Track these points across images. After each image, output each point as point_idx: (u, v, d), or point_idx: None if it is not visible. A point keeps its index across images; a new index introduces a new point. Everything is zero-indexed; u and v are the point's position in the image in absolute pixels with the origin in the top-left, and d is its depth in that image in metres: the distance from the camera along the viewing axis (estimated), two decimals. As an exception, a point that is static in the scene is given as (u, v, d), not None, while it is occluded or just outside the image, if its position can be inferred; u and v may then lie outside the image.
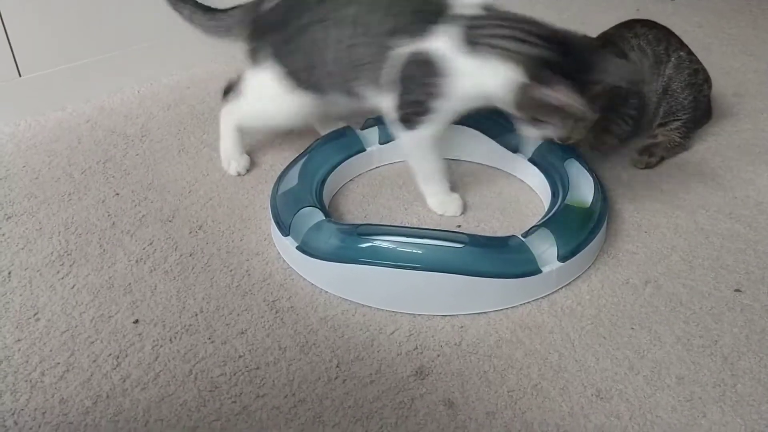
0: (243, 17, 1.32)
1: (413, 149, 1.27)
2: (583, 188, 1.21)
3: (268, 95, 1.31)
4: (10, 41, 1.53)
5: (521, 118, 1.16)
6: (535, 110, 1.13)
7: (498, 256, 1.11)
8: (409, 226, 1.27)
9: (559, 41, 1.12)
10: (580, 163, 1.27)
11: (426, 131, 1.21)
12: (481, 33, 1.12)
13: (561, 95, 1.08)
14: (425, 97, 1.16)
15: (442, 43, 1.13)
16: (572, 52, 1.12)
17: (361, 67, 1.19)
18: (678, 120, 1.39)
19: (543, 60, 1.09)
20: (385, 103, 1.21)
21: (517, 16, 1.15)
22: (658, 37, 1.37)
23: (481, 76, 1.12)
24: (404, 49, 1.15)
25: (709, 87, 1.43)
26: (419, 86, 1.16)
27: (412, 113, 1.19)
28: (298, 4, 1.24)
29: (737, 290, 1.15)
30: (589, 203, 1.18)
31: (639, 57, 1.33)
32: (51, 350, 1.06)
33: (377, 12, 1.17)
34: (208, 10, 1.37)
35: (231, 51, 1.78)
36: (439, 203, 1.30)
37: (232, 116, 1.40)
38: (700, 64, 1.41)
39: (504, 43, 1.11)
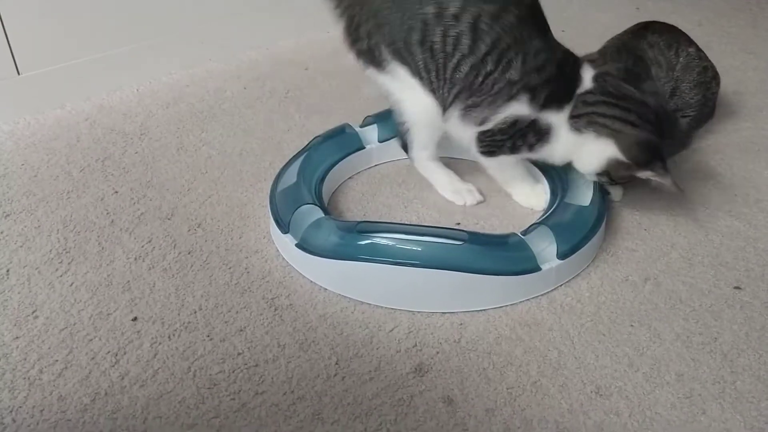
0: None
1: (489, 166, 1.30)
2: (582, 187, 1.21)
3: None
4: (9, 39, 1.53)
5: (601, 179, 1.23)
6: (623, 180, 1.23)
7: (497, 254, 1.10)
8: (408, 223, 1.27)
9: (659, 119, 1.18)
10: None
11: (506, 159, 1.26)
12: (587, 110, 1.18)
13: (658, 177, 1.19)
14: (517, 146, 1.21)
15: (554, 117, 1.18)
16: (666, 127, 1.21)
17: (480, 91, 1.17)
18: (685, 117, 1.40)
19: (643, 141, 1.17)
20: (469, 132, 1.22)
21: (626, 92, 1.19)
22: (669, 42, 1.38)
23: (578, 148, 1.20)
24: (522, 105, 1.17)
25: (717, 84, 1.44)
26: (519, 137, 1.20)
27: (497, 149, 1.23)
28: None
29: (737, 287, 1.15)
30: (588, 201, 1.18)
31: (657, 70, 1.36)
32: (49, 348, 1.06)
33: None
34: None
35: (229, 49, 1.82)
36: (525, 198, 1.32)
37: (425, 155, 1.32)
38: (709, 61, 1.41)
39: (607, 122, 1.17)
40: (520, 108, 1.16)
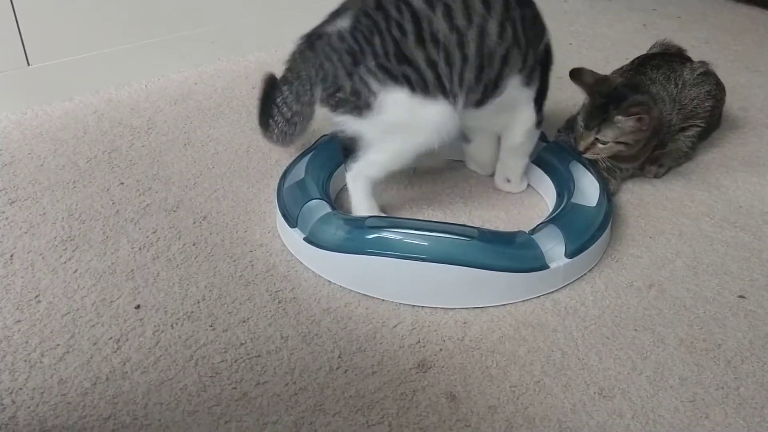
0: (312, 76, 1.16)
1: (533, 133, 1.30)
2: (588, 189, 1.21)
3: (404, 121, 1.15)
4: (21, 30, 1.54)
5: None
6: None
7: (506, 251, 1.11)
8: (418, 219, 1.27)
9: None
10: (584, 165, 1.28)
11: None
12: None
13: None
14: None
15: None
16: None
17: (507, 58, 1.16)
18: (696, 127, 1.41)
19: None
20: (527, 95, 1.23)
21: None
22: (668, 75, 1.40)
23: None
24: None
25: (723, 92, 1.46)
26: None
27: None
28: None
29: (741, 296, 1.15)
30: (595, 203, 1.18)
31: (661, 105, 1.37)
32: (51, 332, 1.05)
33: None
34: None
35: (239, 50, 1.83)
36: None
37: (366, 173, 1.22)
38: (712, 72, 1.43)
39: None
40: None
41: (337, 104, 1.15)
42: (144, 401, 0.96)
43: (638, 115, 1.27)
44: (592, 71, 1.32)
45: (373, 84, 1.11)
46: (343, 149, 1.23)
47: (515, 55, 1.16)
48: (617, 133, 1.28)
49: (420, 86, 1.11)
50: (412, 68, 1.11)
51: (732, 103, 1.63)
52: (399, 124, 1.14)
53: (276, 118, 1.23)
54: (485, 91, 1.16)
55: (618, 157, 1.34)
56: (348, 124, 1.16)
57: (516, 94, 1.20)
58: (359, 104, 1.13)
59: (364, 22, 1.11)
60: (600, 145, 1.30)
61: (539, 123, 1.27)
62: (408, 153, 1.18)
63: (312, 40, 1.16)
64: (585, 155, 1.31)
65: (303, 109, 1.19)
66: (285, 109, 1.21)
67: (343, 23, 1.13)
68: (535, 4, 1.21)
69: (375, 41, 1.11)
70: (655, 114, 1.31)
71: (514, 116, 1.24)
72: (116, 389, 0.97)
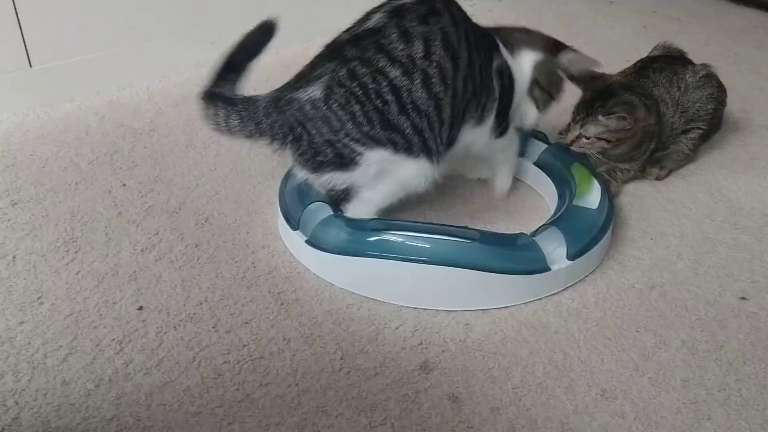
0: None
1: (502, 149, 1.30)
2: (590, 190, 1.21)
3: (391, 170, 1.14)
4: (23, 31, 1.54)
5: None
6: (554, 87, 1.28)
7: (508, 253, 1.11)
8: (420, 221, 1.27)
9: None
10: (585, 167, 1.28)
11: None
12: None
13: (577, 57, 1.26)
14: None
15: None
16: None
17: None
18: (698, 129, 1.42)
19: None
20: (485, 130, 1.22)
21: None
22: (670, 78, 1.41)
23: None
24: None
25: (724, 93, 1.46)
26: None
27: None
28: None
29: (742, 298, 1.15)
30: (597, 205, 1.18)
31: (663, 108, 1.39)
32: (54, 333, 1.06)
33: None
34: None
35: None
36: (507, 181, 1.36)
37: (360, 212, 1.19)
38: (714, 74, 1.43)
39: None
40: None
41: (318, 167, 1.13)
42: (147, 403, 0.96)
43: (619, 115, 1.28)
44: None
45: (357, 147, 1.10)
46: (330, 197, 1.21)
47: (473, 106, 1.16)
48: (599, 129, 1.30)
49: (404, 148, 1.11)
50: (398, 134, 1.10)
51: (733, 105, 1.63)
52: (386, 171, 1.13)
53: (221, 110, 1.15)
54: (450, 142, 1.16)
55: (610, 155, 1.35)
56: (336, 179, 1.14)
57: (470, 135, 1.19)
58: (344, 162, 1.11)
59: (340, 92, 1.08)
60: (584, 140, 1.31)
61: (503, 131, 1.25)
62: (398, 194, 1.18)
63: (280, 104, 1.12)
64: (572, 147, 1.33)
65: (242, 132, 1.15)
66: (233, 118, 1.14)
67: (316, 92, 1.09)
68: (493, 37, 1.20)
69: (355, 110, 1.08)
70: (641, 115, 1.31)
71: (477, 146, 1.24)
72: (119, 391, 0.97)
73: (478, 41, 1.14)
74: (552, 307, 1.13)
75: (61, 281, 1.15)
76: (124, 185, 1.38)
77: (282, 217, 1.22)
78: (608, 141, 1.32)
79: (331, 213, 1.17)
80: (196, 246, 1.23)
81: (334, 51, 1.11)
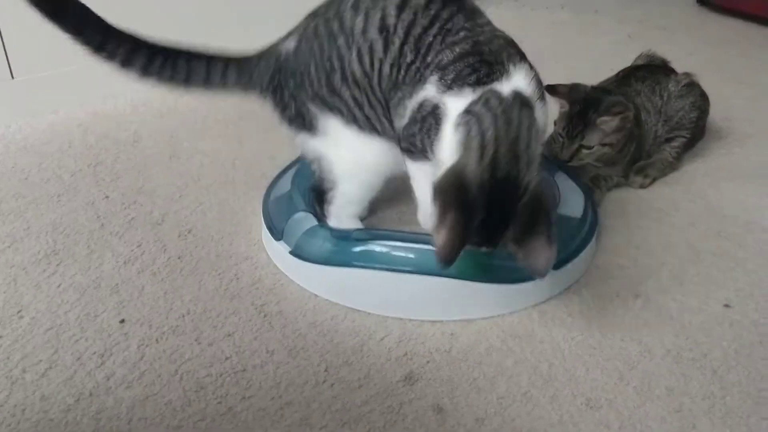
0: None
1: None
2: (574, 199, 1.22)
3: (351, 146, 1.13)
4: (4, 42, 1.53)
5: None
6: None
7: (493, 263, 1.10)
8: (404, 231, 1.26)
9: None
10: (569, 176, 1.29)
11: None
12: None
13: None
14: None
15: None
16: None
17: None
18: (681, 137, 1.42)
19: None
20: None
21: None
22: (652, 87, 1.43)
23: None
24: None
25: (706, 101, 1.47)
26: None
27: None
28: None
29: (726, 306, 1.15)
30: (581, 213, 1.18)
31: (646, 115, 1.41)
32: (34, 347, 1.04)
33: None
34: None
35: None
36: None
37: (350, 211, 1.20)
38: (698, 87, 1.44)
39: None
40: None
41: (289, 121, 1.15)
42: (128, 417, 0.95)
43: (621, 114, 1.29)
44: (564, 84, 1.34)
45: (312, 108, 1.11)
46: (315, 195, 1.21)
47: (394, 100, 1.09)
48: (601, 135, 1.31)
49: (352, 120, 1.10)
50: (342, 102, 1.09)
51: (716, 113, 1.64)
52: (346, 147, 1.13)
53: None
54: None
55: (599, 159, 1.35)
56: (307, 143, 1.16)
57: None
58: (305, 124, 1.13)
59: (304, 48, 1.10)
60: (585, 151, 1.31)
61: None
62: (369, 179, 1.17)
63: (267, 53, 1.16)
64: (571, 163, 1.32)
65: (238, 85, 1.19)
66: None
67: (291, 43, 1.12)
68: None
69: (311, 69, 1.09)
70: (632, 112, 1.33)
71: None
72: (100, 405, 0.96)
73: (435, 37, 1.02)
74: (537, 317, 1.12)
75: (41, 294, 1.14)
76: (107, 197, 1.37)
77: (266, 227, 1.21)
78: (611, 145, 1.32)
79: (316, 223, 1.16)
80: (179, 258, 1.22)
81: (313, 10, 1.14)
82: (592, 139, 1.31)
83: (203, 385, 1.00)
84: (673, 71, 1.49)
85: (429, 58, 1.02)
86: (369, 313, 1.12)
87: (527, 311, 1.13)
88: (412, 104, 1.04)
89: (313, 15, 1.12)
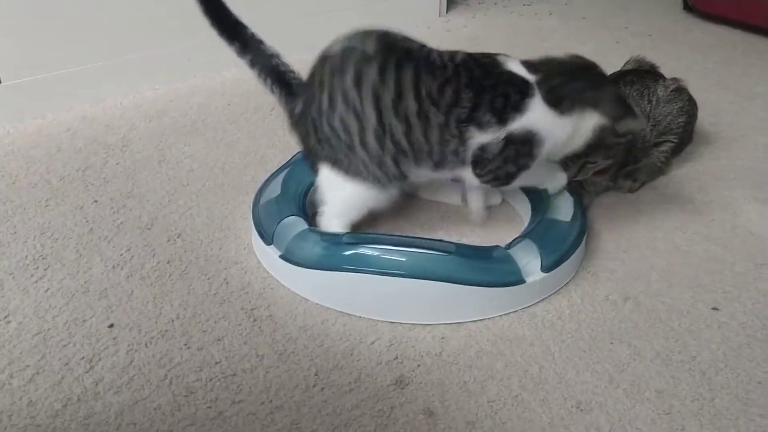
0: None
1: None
2: (563, 203, 1.22)
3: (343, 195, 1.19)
4: (-7, 47, 1.52)
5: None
6: (605, 155, 1.26)
7: (483, 266, 1.11)
8: (395, 234, 1.27)
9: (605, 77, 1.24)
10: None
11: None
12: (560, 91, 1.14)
13: (636, 123, 1.20)
14: (519, 167, 1.15)
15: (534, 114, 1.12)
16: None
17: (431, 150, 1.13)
18: (669, 142, 1.43)
19: (614, 96, 1.19)
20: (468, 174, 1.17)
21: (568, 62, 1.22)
22: (641, 91, 1.42)
23: (570, 130, 1.15)
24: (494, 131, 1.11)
25: (695, 106, 1.48)
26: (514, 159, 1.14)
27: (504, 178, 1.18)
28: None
29: (714, 308, 1.16)
30: (570, 217, 1.19)
31: None
32: (21, 353, 1.03)
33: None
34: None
35: (215, 66, 1.82)
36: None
37: (340, 223, 1.21)
38: (686, 92, 1.45)
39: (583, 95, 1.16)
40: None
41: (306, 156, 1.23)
42: (117, 422, 0.94)
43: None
44: None
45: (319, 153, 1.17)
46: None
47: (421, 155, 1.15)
48: (606, 150, 1.29)
49: (339, 166, 1.15)
50: (331, 149, 1.14)
51: (703, 118, 1.65)
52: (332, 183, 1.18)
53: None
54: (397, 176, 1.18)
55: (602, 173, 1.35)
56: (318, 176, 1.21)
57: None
58: (311, 164, 1.20)
59: (307, 98, 1.15)
60: (589, 165, 1.30)
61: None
62: (360, 206, 1.21)
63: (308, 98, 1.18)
64: (576, 178, 1.30)
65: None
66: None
67: (324, 102, 1.14)
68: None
69: (310, 117, 1.15)
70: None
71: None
72: (88, 410, 0.95)
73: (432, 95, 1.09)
74: (527, 320, 1.13)
75: (29, 299, 1.13)
76: (96, 201, 1.36)
77: (255, 232, 1.21)
78: (615, 157, 1.31)
79: (306, 227, 1.16)
80: (168, 262, 1.22)
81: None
82: (597, 155, 1.30)
83: (193, 389, 0.99)
84: (661, 76, 1.50)
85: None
86: (359, 317, 1.11)
87: (517, 314, 1.13)
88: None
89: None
